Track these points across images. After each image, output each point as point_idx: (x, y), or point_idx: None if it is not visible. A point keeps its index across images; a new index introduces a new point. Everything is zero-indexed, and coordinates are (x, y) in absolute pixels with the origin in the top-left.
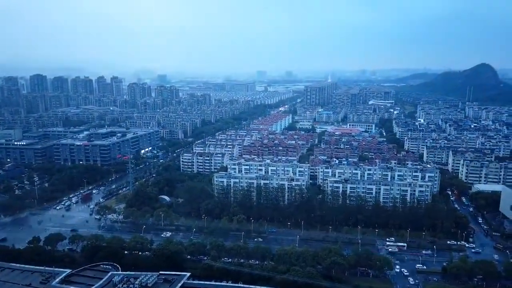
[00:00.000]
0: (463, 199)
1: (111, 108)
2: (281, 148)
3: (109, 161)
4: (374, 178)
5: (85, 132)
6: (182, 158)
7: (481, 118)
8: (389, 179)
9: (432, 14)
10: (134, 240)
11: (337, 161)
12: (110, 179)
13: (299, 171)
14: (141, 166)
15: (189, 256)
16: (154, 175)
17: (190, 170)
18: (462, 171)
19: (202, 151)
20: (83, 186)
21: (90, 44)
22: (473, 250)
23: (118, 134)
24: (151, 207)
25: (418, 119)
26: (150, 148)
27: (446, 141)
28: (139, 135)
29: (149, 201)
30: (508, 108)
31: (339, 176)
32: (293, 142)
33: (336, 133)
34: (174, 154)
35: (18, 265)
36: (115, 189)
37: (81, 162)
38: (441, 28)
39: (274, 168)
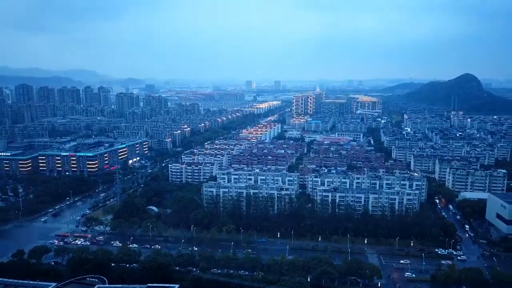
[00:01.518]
0: (450, 206)
1: (98, 118)
2: (271, 157)
3: (96, 172)
4: (362, 187)
5: (72, 143)
6: (171, 168)
7: (466, 127)
8: (377, 188)
9: (417, 29)
10: (122, 252)
11: (326, 170)
12: (97, 190)
13: (289, 180)
14: (129, 177)
15: (177, 268)
16: (142, 185)
17: (179, 180)
18: (449, 179)
19: (191, 161)
20: (69, 197)
21: (74, 53)
22: (459, 258)
23: (106, 144)
24: (139, 218)
25: (405, 128)
26: (138, 158)
27: (432, 150)
28: (127, 145)
29: (137, 212)
30: (492, 117)
31: (328, 185)
32: (282, 151)
33: (325, 142)
34: (163, 164)
35: (1, 279)
36: (102, 200)
37: (67, 173)
38: (426, 41)
39: (264, 177)
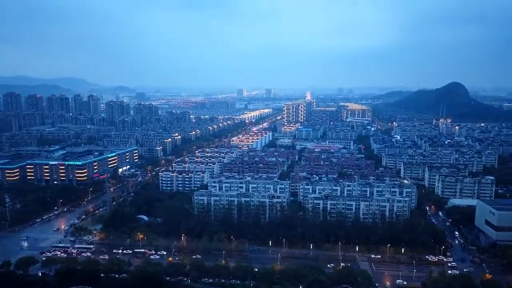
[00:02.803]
0: (440, 213)
1: (88, 126)
2: (262, 165)
3: (86, 181)
4: (353, 194)
5: (61, 151)
6: (161, 176)
7: (454, 135)
8: (368, 195)
9: (405, 38)
10: (111, 262)
11: (317, 178)
12: (86, 199)
13: (280, 188)
14: (118, 185)
15: (168, 278)
16: (132, 194)
17: (170, 188)
18: (438, 186)
19: (182, 169)
20: (58, 206)
21: (60, 62)
22: (449, 265)
23: (95, 153)
24: (129, 227)
25: (395, 136)
26: (128, 166)
27: (422, 157)
28: (116, 153)
29: (126, 221)
30: (480, 124)
31: (320, 193)
32: (274, 159)
33: (315, 150)
34: (153, 173)
35: None
36: (92, 209)
37: (55, 182)
38: (415, 50)
39: (255, 185)
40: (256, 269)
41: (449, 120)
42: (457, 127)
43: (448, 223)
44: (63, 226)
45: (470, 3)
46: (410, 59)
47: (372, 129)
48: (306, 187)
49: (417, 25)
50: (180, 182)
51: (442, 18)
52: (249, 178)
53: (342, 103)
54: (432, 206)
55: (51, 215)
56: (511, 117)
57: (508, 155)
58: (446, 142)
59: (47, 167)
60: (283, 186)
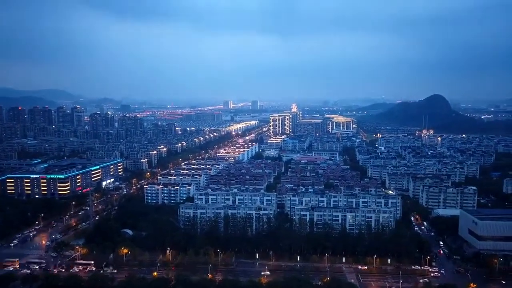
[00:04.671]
0: (425, 223)
1: (71, 139)
2: (248, 177)
3: (68, 195)
4: (339, 205)
5: (43, 164)
6: (147, 189)
7: (437, 146)
8: (354, 206)
9: (388, 51)
10: (94, 278)
11: (303, 189)
12: (68, 214)
13: (267, 200)
14: (102, 199)
15: None
16: (116, 207)
17: (155, 201)
18: (422, 196)
19: (167, 182)
20: (39, 221)
21: (43, 74)
22: (433, 275)
23: (78, 166)
24: (112, 241)
25: (379, 147)
26: (112, 179)
27: (406, 168)
28: (100, 166)
29: (110, 235)
30: (461, 136)
31: (306, 204)
32: (260, 170)
33: (302, 161)
34: (138, 185)
35: None
36: (74, 224)
37: (37, 196)
38: (397, 63)
39: (242, 197)
40: (243, 283)
41: (431, 132)
42: (439, 138)
43: (432, 233)
44: (44, 242)
45: (448, 18)
46: (393, 72)
47: (357, 140)
48: (292, 198)
49: (397, 36)
50: (165, 194)
51: (421, 31)
52: (235, 190)
53: (328, 115)
54: (417, 217)
55: (32, 230)
56: (491, 128)
57: (489, 166)
58: (429, 153)
59: (28, 180)
60: (269, 198)
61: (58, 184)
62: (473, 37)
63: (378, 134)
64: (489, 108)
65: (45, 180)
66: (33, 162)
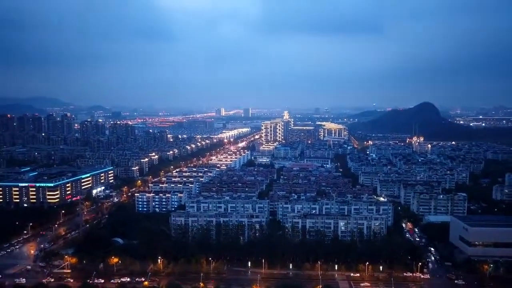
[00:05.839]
0: (416, 230)
1: (61, 147)
2: (241, 184)
3: (58, 203)
4: (332, 212)
5: (32, 173)
6: (138, 197)
7: (427, 153)
8: (346, 213)
9: (377, 59)
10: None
11: (296, 197)
12: (58, 222)
13: (259, 207)
14: (93, 207)
15: None
16: (106, 216)
17: (146, 209)
18: (413, 203)
19: (158, 190)
20: (27, 230)
21: (33, 81)
22: (425, 282)
23: (68, 174)
24: (103, 251)
25: (370, 154)
26: (103, 187)
27: (397, 175)
28: (91, 174)
29: (100, 244)
30: (451, 143)
31: (298, 212)
32: (252, 178)
33: (294, 168)
34: (129, 193)
35: None
36: (64, 233)
37: (25, 205)
38: (388, 71)
39: (234, 205)
40: None
41: (421, 139)
42: (429, 146)
43: (424, 240)
44: (32, 251)
45: (435, 26)
46: (382, 80)
47: (349, 147)
48: (285, 206)
49: (387, 45)
50: (157, 202)
51: (410, 40)
52: (227, 198)
53: (319, 122)
54: (408, 223)
55: (20, 239)
56: (480, 135)
57: (478, 172)
58: (420, 160)
59: (17, 189)
60: (262, 206)
61: (48, 193)
62: (461, 44)
63: (369, 141)
64: (478, 115)
65: (34, 189)
66: (22, 170)
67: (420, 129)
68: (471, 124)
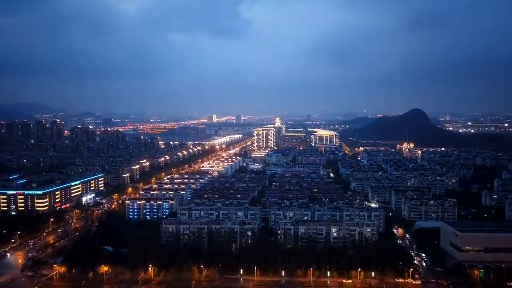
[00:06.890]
0: (407, 236)
1: (50, 154)
2: (232, 191)
3: (47, 211)
4: (324, 219)
5: (20, 180)
6: (128, 204)
7: (418, 159)
8: (338, 219)
9: (368, 66)
10: None
11: (288, 203)
12: (46, 231)
13: (251, 214)
14: (82, 215)
15: None
16: (96, 223)
17: (137, 217)
18: (404, 209)
19: (149, 197)
20: (15, 239)
21: (22, 87)
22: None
23: (58, 181)
24: (92, 259)
25: (362, 161)
26: (93, 195)
27: (388, 181)
28: (80, 181)
29: (90, 252)
30: (441, 149)
31: (290, 218)
32: (244, 184)
33: (286, 175)
34: (120, 201)
35: None
36: (52, 241)
37: (13, 213)
38: (378, 77)
39: (226, 211)
40: None
41: (412, 145)
42: (419, 152)
43: (415, 246)
44: (20, 260)
45: (424, 33)
46: (373, 87)
47: (340, 154)
48: (277, 212)
49: (378, 51)
50: (147, 210)
51: (403, 45)
52: (219, 205)
53: (311, 129)
54: (400, 229)
55: (7, 248)
56: (469, 142)
57: (468, 178)
58: (410, 166)
59: (5, 197)
60: (254, 212)
61: (36, 200)
62: (450, 51)
63: (361, 148)
64: (467, 122)
65: (22, 196)
66: (10, 177)
67: (411, 136)
68: (460, 131)
